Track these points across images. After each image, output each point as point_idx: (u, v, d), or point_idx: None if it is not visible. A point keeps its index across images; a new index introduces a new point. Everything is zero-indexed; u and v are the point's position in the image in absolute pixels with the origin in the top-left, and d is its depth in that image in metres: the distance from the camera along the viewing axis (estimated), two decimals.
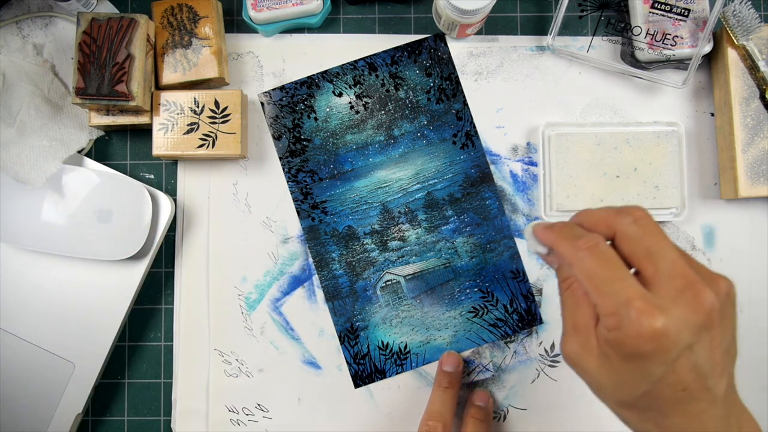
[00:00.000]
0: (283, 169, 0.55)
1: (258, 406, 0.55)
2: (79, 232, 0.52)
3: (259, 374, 0.55)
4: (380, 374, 0.54)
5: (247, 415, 0.54)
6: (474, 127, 0.55)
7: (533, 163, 0.56)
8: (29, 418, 0.52)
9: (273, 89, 0.56)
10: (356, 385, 0.55)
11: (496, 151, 0.56)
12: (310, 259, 0.55)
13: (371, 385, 0.55)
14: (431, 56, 0.56)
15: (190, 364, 0.55)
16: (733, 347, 0.36)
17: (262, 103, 0.56)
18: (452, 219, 0.55)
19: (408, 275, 0.55)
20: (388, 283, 0.55)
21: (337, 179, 0.55)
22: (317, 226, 0.55)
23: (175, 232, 0.56)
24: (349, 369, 0.55)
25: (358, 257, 0.55)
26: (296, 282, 0.55)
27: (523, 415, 0.55)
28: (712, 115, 0.56)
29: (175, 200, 0.55)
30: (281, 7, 0.53)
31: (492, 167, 0.55)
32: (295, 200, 0.55)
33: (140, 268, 0.53)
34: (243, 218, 0.56)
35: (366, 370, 0.55)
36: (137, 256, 0.53)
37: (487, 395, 0.54)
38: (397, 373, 0.55)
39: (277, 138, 0.55)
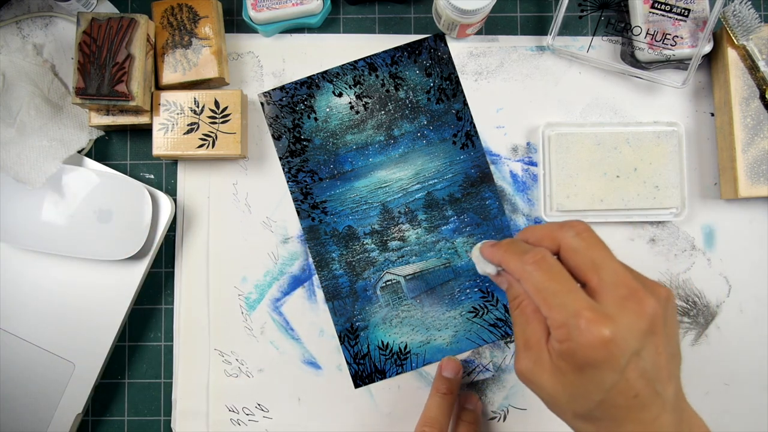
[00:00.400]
0: (283, 169, 0.55)
1: (258, 406, 0.55)
2: (79, 232, 0.52)
3: (259, 374, 0.55)
4: (380, 374, 0.54)
5: (247, 414, 0.54)
6: (474, 127, 0.55)
7: (533, 163, 0.56)
8: (29, 418, 0.52)
9: (273, 89, 0.56)
10: (356, 385, 0.55)
11: (496, 151, 0.56)
12: (310, 259, 0.55)
13: (371, 385, 0.55)
14: (431, 56, 0.56)
15: (190, 364, 0.55)
16: (678, 352, 0.37)
17: (262, 103, 0.56)
18: (452, 219, 0.55)
19: (408, 275, 0.55)
20: (388, 283, 0.55)
21: (337, 179, 0.55)
22: (317, 226, 0.55)
23: (175, 232, 0.56)
24: (349, 369, 0.55)
25: (358, 257, 0.55)
26: (296, 282, 0.55)
27: (523, 415, 0.55)
28: (712, 115, 0.56)
29: (175, 200, 0.56)
30: (281, 7, 0.53)
31: (492, 167, 0.55)
32: (295, 200, 0.55)
33: (140, 268, 0.53)
34: (243, 218, 0.56)
35: (366, 370, 0.55)
36: (137, 256, 0.53)
37: (476, 398, 0.53)
38: (397, 374, 0.55)
39: (277, 138, 0.55)
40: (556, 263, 0.36)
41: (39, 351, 0.53)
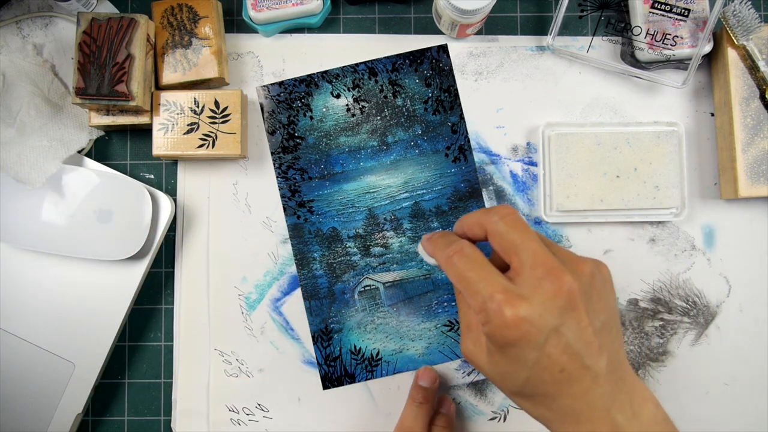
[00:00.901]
0: (274, 165, 0.55)
1: (258, 406, 0.55)
2: (79, 232, 0.52)
3: (260, 374, 0.55)
4: (350, 378, 0.54)
5: (247, 414, 0.54)
6: (468, 141, 0.55)
7: (533, 163, 0.56)
8: (29, 418, 0.52)
9: (272, 84, 0.56)
10: (324, 387, 0.54)
11: (496, 151, 0.56)
12: None
13: (371, 385, 0.55)
14: (432, 67, 0.55)
15: (191, 364, 0.55)
16: (612, 324, 0.38)
17: (259, 97, 0.55)
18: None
19: (387, 282, 0.55)
20: (366, 288, 0.55)
21: (326, 180, 0.55)
22: (302, 224, 0.55)
23: (175, 232, 0.56)
24: (319, 370, 0.54)
25: (340, 259, 0.55)
26: (296, 282, 0.55)
27: (523, 415, 0.55)
28: (712, 115, 0.56)
29: (175, 200, 0.56)
30: (281, 7, 0.53)
31: (492, 167, 0.55)
32: (282, 197, 0.55)
33: (140, 268, 0.53)
34: (243, 218, 0.56)
35: (336, 372, 0.54)
36: (137, 256, 0.53)
37: (449, 401, 0.53)
38: (366, 379, 0.54)
39: (270, 133, 0.55)
40: (474, 252, 0.38)
41: (39, 351, 0.53)
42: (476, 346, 0.40)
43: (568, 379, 0.36)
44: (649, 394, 0.40)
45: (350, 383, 0.54)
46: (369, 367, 0.54)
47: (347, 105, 0.56)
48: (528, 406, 0.39)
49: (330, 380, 0.54)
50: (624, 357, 0.39)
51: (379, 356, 0.55)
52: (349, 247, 0.55)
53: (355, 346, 0.55)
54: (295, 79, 0.56)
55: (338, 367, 0.54)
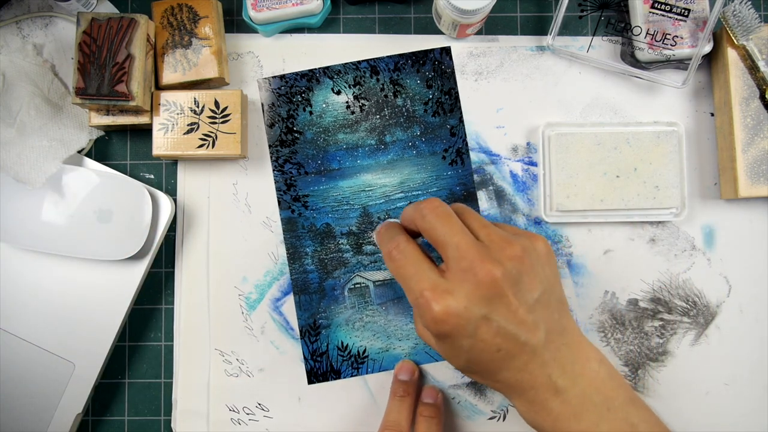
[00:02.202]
0: (271, 158, 0.55)
1: (259, 406, 0.55)
2: (79, 232, 0.52)
3: (260, 374, 0.55)
4: (335, 374, 0.54)
5: (247, 414, 0.55)
6: (466, 145, 0.55)
7: (533, 163, 0.56)
8: (29, 418, 0.52)
9: (273, 77, 0.56)
10: (310, 382, 0.54)
11: (496, 151, 0.56)
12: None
13: (371, 384, 0.55)
14: (434, 68, 0.55)
15: (191, 364, 0.55)
16: (550, 297, 0.40)
17: (259, 89, 0.55)
18: None
19: (378, 281, 0.55)
20: (356, 285, 0.55)
21: (322, 176, 0.55)
22: (296, 218, 0.55)
23: (175, 232, 0.56)
24: (305, 365, 0.54)
25: (332, 255, 0.55)
26: None
27: None
28: (712, 115, 0.56)
29: (175, 200, 0.56)
30: (281, 7, 0.53)
31: (492, 167, 0.55)
32: (278, 190, 0.55)
33: (140, 268, 0.53)
34: (243, 218, 0.56)
35: (322, 368, 0.54)
36: (137, 256, 0.53)
37: (436, 391, 0.53)
38: (352, 376, 0.54)
39: (269, 125, 0.55)
40: (409, 248, 0.41)
41: (39, 351, 0.53)
42: (424, 331, 0.43)
43: (507, 356, 0.39)
44: (594, 353, 0.41)
45: (335, 379, 0.54)
46: (355, 364, 0.55)
47: (347, 102, 0.56)
48: (478, 379, 0.42)
49: (315, 375, 0.54)
50: (568, 322, 0.41)
51: (366, 354, 0.55)
52: (342, 243, 0.55)
53: (342, 343, 0.55)
54: (296, 74, 0.56)
55: (324, 363, 0.55)
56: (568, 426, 0.39)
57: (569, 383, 0.39)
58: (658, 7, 0.53)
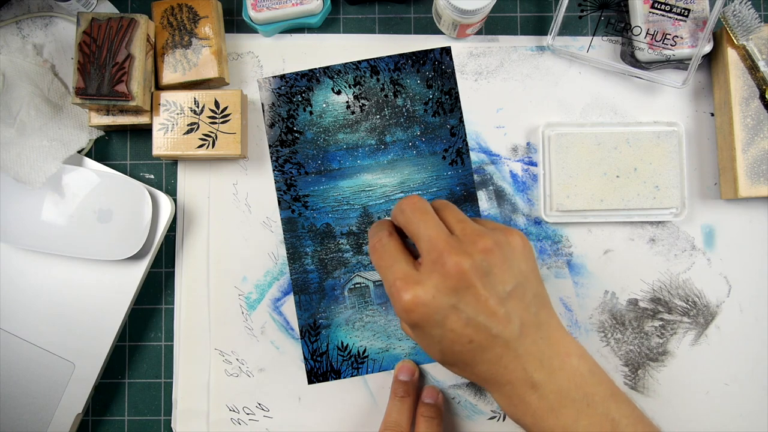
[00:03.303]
0: (271, 158, 0.55)
1: (259, 406, 0.55)
2: (79, 232, 0.52)
3: (260, 374, 0.55)
4: (335, 374, 0.54)
5: (247, 414, 0.55)
6: (466, 145, 0.55)
7: (533, 163, 0.56)
8: (29, 418, 0.52)
9: (273, 76, 0.56)
10: (310, 382, 0.54)
11: (496, 151, 0.56)
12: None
13: (371, 384, 0.55)
14: (435, 68, 0.55)
15: (191, 364, 0.55)
16: (525, 290, 0.40)
17: (260, 88, 0.55)
18: None
19: (377, 281, 0.55)
20: (356, 285, 0.55)
21: (322, 176, 0.55)
22: (296, 218, 0.55)
23: (175, 232, 0.56)
24: (306, 365, 0.55)
25: (332, 255, 0.55)
26: None
27: None
28: (712, 115, 0.56)
29: (175, 200, 0.56)
30: (281, 7, 0.53)
31: (492, 167, 0.55)
32: (278, 190, 0.55)
33: (140, 268, 0.53)
34: (243, 218, 0.56)
35: (322, 368, 0.55)
36: (137, 256, 0.53)
37: (436, 391, 0.53)
38: (352, 376, 0.54)
39: (269, 125, 0.55)
40: (390, 242, 0.42)
41: (39, 351, 0.53)
42: (404, 323, 0.43)
43: (479, 348, 0.39)
44: (574, 348, 0.41)
45: (335, 379, 0.54)
46: (355, 363, 0.55)
47: (347, 102, 0.56)
48: (456, 371, 0.42)
49: (315, 375, 0.54)
50: (548, 317, 0.41)
51: (366, 354, 0.55)
52: (342, 243, 0.55)
53: (342, 343, 0.55)
54: (296, 73, 0.56)
55: (324, 363, 0.55)
56: (546, 421, 0.39)
57: (546, 378, 0.39)
58: (658, 7, 0.53)
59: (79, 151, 0.55)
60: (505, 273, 0.40)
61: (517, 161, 0.56)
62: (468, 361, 0.40)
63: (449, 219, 0.42)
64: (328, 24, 0.57)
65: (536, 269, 0.43)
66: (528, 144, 0.56)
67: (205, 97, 0.53)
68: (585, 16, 0.56)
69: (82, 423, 0.55)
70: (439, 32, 0.56)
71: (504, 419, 0.55)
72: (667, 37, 0.53)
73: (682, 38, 0.53)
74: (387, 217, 0.46)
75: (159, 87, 0.54)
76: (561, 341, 0.41)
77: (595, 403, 0.39)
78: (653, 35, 0.53)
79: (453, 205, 0.44)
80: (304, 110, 0.56)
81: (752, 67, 0.52)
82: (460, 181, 0.55)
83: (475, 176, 0.55)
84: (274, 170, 0.55)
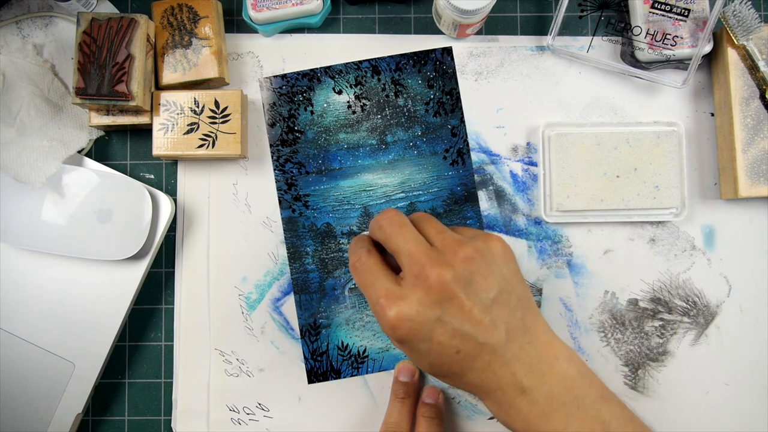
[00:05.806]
0: (272, 157, 0.55)
1: (259, 406, 0.55)
2: (79, 232, 0.52)
3: (260, 374, 0.55)
4: (335, 374, 0.55)
5: (248, 414, 0.55)
6: (467, 145, 0.55)
7: (533, 163, 0.56)
8: (29, 418, 0.52)
9: (274, 76, 0.56)
10: (310, 381, 0.55)
11: (496, 151, 0.56)
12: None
13: (371, 384, 0.55)
14: (436, 69, 0.55)
15: (191, 364, 0.55)
16: (509, 296, 0.40)
17: (261, 88, 0.55)
18: None
19: None
20: (357, 285, 0.55)
21: (323, 175, 0.55)
22: (296, 218, 0.55)
23: (175, 232, 0.56)
24: (306, 364, 0.55)
25: (332, 255, 0.55)
26: None
27: None
28: (712, 115, 0.56)
29: (175, 200, 0.56)
30: (281, 7, 0.53)
31: (492, 167, 0.55)
32: (278, 189, 0.55)
33: (140, 268, 0.53)
34: (243, 218, 0.56)
35: (322, 367, 0.55)
36: (137, 256, 0.53)
37: (437, 392, 0.53)
38: (352, 375, 0.55)
39: (270, 125, 0.55)
40: (369, 260, 0.42)
41: (39, 351, 0.53)
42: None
43: (467, 357, 0.39)
44: (562, 351, 0.41)
45: (335, 379, 0.54)
46: (355, 363, 0.55)
47: (348, 102, 0.56)
48: (448, 382, 0.42)
49: (316, 375, 0.54)
50: (534, 321, 0.41)
51: (366, 354, 0.55)
52: (342, 243, 0.55)
53: (342, 342, 0.55)
54: (297, 73, 0.56)
55: (324, 363, 0.55)
56: (537, 426, 0.39)
57: (535, 382, 0.39)
58: (658, 7, 0.53)
59: (79, 151, 0.55)
60: (488, 280, 0.40)
61: (517, 161, 0.56)
62: (457, 371, 0.40)
63: (428, 231, 0.42)
64: (328, 24, 0.57)
65: (519, 272, 0.42)
66: (528, 144, 0.56)
67: (205, 97, 0.53)
68: (585, 16, 0.56)
69: (82, 423, 0.55)
70: (439, 32, 0.56)
71: None
72: (667, 37, 0.53)
73: (682, 38, 0.53)
74: (365, 232, 0.46)
75: (159, 87, 0.54)
76: (548, 344, 0.41)
77: (585, 406, 0.39)
78: (653, 35, 0.53)
79: (431, 217, 0.44)
80: (305, 110, 0.56)
81: (752, 67, 0.52)
82: (461, 182, 0.55)
83: (475, 176, 0.55)
84: (275, 169, 0.55)
